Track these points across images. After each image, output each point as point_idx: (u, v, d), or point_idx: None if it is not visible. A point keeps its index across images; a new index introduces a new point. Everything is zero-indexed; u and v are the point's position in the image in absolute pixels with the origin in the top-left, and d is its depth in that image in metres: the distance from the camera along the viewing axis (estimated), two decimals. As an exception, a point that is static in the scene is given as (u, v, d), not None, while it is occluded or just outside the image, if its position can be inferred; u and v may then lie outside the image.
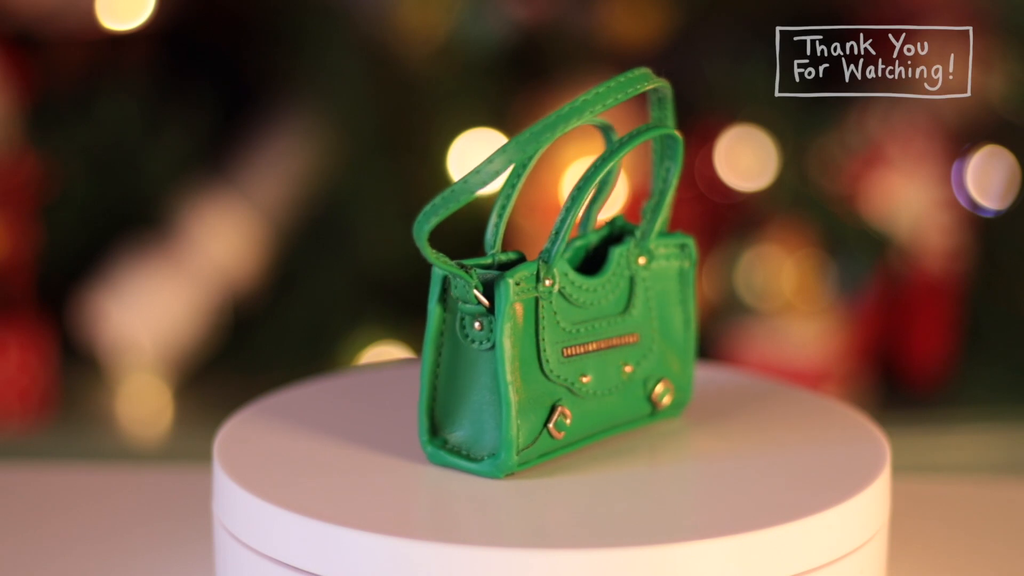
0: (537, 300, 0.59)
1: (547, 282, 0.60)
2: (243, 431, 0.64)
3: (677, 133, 0.62)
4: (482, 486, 0.59)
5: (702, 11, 1.54)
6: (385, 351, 1.48)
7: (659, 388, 0.64)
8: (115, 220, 1.52)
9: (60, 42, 1.54)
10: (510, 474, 0.59)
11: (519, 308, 0.59)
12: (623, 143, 0.60)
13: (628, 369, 0.62)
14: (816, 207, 1.48)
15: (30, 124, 1.51)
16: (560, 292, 0.60)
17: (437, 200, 0.56)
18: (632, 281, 0.63)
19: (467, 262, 0.59)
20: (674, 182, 0.63)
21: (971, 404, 1.50)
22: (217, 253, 1.51)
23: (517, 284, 0.58)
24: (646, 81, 0.60)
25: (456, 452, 0.60)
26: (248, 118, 1.56)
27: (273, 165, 1.54)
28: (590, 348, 0.61)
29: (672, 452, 0.62)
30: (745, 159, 1.48)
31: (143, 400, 1.51)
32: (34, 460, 1.30)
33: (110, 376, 1.52)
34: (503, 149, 0.56)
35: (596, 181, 0.60)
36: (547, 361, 0.60)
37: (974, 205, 1.51)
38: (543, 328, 0.60)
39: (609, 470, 0.60)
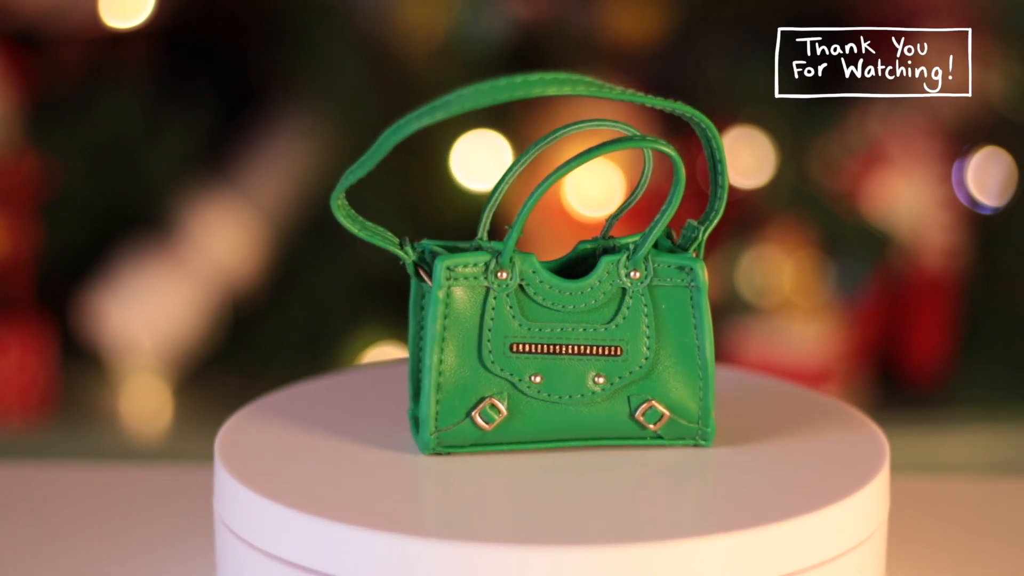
0: (488, 290, 0.60)
1: (500, 274, 0.60)
2: (244, 428, 0.64)
3: (669, 151, 0.60)
4: (483, 483, 0.59)
5: (702, 11, 1.54)
6: (385, 351, 1.48)
7: (645, 408, 0.61)
8: (115, 219, 1.52)
9: (61, 40, 1.54)
10: (434, 453, 0.61)
11: (459, 293, 0.60)
12: (591, 150, 0.59)
13: (600, 380, 0.61)
14: (816, 206, 1.48)
15: (30, 123, 1.51)
16: (522, 287, 0.60)
17: (354, 165, 0.59)
18: (624, 293, 0.61)
19: (437, 242, 0.61)
20: (675, 201, 0.61)
21: (970, 402, 1.50)
22: (217, 252, 1.51)
23: (450, 269, 0.60)
24: (568, 85, 0.57)
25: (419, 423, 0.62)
26: (249, 117, 1.57)
27: (273, 164, 1.54)
28: (545, 349, 0.61)
29: (671, 449, 0.62)
30: (745, 158, 1.48)
31: (143, 399, 1.51)
32: (34, 459, 1.30)
33: (110, 375, 1.52)
34: (418, 113, 0.58)
35: (555, 180, 0.59)
36: (489, 352, 0.60)
37: (973, 203, 1.52)
38: (491, 319, 0.60)
39: (609, 468, 0.60)
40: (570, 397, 0.61)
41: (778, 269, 1.49)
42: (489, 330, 0.60)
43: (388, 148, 0.58)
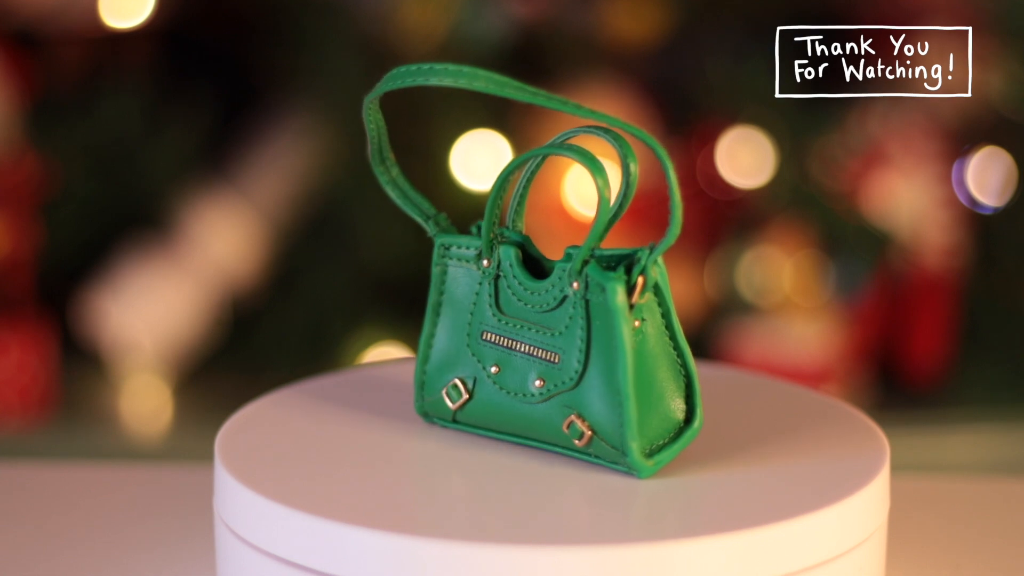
0: (475, 275, 0.62)
1: (484, 263, 0.62)
2: (244, 428, 0.64)
3: (598, 178, 0.58)
4: (483, 483, 0.59)
5: (702, 11, 1.54)
6: (386, 351, 1.48)
7: (569, 422, 0.60)
8: (115, 219, 1.52)
9: (61, 40, 1.54)
10: (430, 423, 0.64)
11: (456, 273, 0.63)
12: (538, 152, 0.60)
13: (539, 384, 0.61)
14: (816, 205, 1.48)
15: (31, 123, 1.51)
16: (499, 279, 0.62)
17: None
18: (566, 302, 0.60)
19: (483, 224, 0.63)
20: (601, 221, 0.59)
21: (970, 402, 1.50)
22: (217, 252, 1.51)
23: (445, 248, 0.63)
24: (511, 89, 0.58)
25: None
26: (249, 117, 1.57)
27: (273, 164, 1.54)
28: (505, 343, 0.61)
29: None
30: (745, 158, 1.48)
31: (143, 398, 1.51)
32: (35, 458, 1.30)
33: (111, 374, 1.52)
34: (388, 76, 0.62)
35: (513, 170, 0.61)
36: (467, 335, 0.62)
37: (973, 202, 1.52)
38: (472, 303, 0.62)
39: (609, 468, 0.60)
40: (515, 394, 0.61)
41: (778, 269, 1.49)
42: (471, 314, 0.62)
43: (368, 119, 0.63)
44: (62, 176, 1.50)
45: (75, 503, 0.79)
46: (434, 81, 0.60)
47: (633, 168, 0.58)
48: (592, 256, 0.60)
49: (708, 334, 1.49)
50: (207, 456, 0.65)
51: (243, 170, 1.54)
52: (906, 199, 1.49)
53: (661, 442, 0.59)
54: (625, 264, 0.59)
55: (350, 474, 0.59)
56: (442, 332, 0.63)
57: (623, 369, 0.58)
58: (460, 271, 0.63)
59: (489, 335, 0.62)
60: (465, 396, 0.63)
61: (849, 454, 0.62)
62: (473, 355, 0.62)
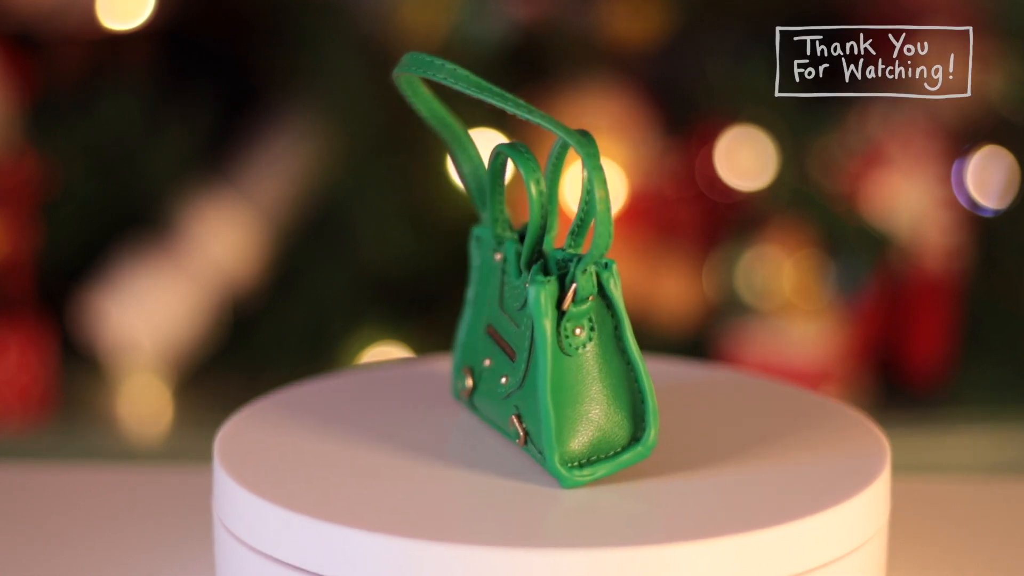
0: (493, 268, 0.62)
1: (496, 256, 0.62)
2: (244, 429, 0.64)
3: (532, 186, 0.57)
4: (483, 485, 0.59)
5: (702, 11, 1.54)
6: (386, 351, 1.48)
7: (511, 421, 0.60)
8: (115, 219, 1.52)
9: (60, 41, 1.54)
10: (465, 407, 0.65)
11: (488, 264, 0.63)
12: (502, 150, 0.60)
13: (504, 381, 0.60)
14: (816, 206, 1.48)
15: (30, 123, 1.51)
16: (503, 272, 0.62)
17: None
18: (525, 302, 0.59)
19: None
20: (532, 221, 0.58)
21: (971, 404, 1.50)
22: (217, 252, 1.51)
23: (478, 239, 0.64)
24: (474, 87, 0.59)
25: None
26: (249, 117, 1.57)
27: (273, 164, 1.54)
28: (496, 338, 0.61)
29: (671, 451, 0.62)
30: (745, 159, 1.48)
31: (143, 399, 1.51)
32: (34, 459, 1.30)
33: (110, 375, 1.52)
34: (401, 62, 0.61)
35: (498, 180, 0.61)
36: (482, 326, 0.63)
37: (973, 204, 1.52)
38: (489, 295, 0.62)
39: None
40: (492, 389, 0.62)
41: (778, 270, 1.49)
42: (487, 306, 0.62)
43: (411, 101, 0.63)
44: (62, 176, 1.50)
45: (75, 504, 0.78)
46: (415, 72, 0.60)
47: (594, 174, 0.56)
48: (541, 258, 0.59)
49: (708, 335, 1.49)
50: (206, 457, 0.65)
51: (243, 170, 1.54)
52: (906, 200, 1.49)
53: (600, 455, 0.58)
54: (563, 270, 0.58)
55: (349, 476, 0.59)
56: (474, 320, 0.64)
57: (542, 374, 0.57)
58: (488, 263, 0.63)
59: (490, 328, 0.62)
60: (470, 385, 0.63)
61: (850, 456, 0.62)
62: (479, 345, 0.63)
